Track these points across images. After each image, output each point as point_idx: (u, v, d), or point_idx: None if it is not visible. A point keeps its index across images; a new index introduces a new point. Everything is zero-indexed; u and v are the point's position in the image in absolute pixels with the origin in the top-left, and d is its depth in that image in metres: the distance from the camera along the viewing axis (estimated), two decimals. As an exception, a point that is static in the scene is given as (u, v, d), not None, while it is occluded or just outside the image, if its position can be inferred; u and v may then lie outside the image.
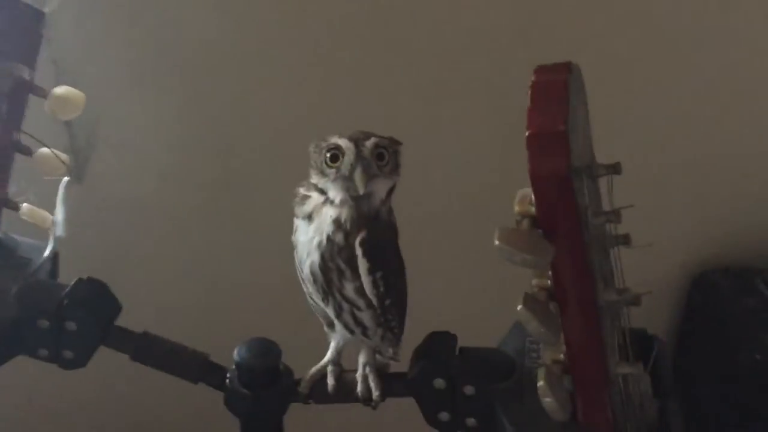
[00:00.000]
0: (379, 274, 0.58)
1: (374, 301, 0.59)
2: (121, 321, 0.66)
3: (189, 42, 1.12)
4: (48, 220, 0.69)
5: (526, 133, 0.47)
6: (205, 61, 1.13)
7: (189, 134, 1.16)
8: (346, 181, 0.58)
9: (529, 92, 0.49)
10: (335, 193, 0.58)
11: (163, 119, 1.16)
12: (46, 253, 0.69)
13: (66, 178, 0.68)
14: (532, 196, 0.49)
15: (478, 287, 1.16)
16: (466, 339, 0.61)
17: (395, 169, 0.59)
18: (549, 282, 0.52)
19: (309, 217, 0.59)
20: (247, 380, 0.63)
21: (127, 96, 1.14)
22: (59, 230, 0.69)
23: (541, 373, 0.52)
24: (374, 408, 0.62)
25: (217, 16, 1.11)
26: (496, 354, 0.61)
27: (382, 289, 0.58)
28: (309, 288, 0.61)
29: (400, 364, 0.65)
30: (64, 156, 0.67)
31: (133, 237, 1.18)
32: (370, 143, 0.58)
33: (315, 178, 0.60)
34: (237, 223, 1.19)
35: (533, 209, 0.49)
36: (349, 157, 0.57)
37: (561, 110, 0.48)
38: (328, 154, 0.58)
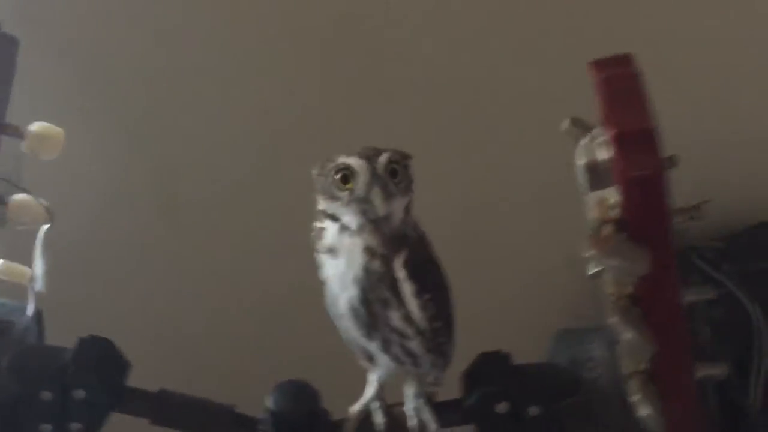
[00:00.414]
0: (427, 296, 0.54)
1: (424, 325, 0.54)
2: None
3: (123, 67, 1.03)
4: (26, 275, 0.61)
5: (611, 134, 0.45)
6: (139, 87, 1.04)
7: (127, 164, 1.07)
8: (362, 204, 0.53)
9: (599, 89, 0.46)
10: (350, 218, 0.53)
11: (97, 150, 1.07)
12: (29, 312, 0.60)
13: (46, 227, 0.60)
14: (611, 200, 0.47)
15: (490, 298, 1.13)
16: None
17: (409, 185, 0.55)
18: (629, 288, 0.49)
19: (332, 250, 0.54)
20: (284, 428, 0.57)
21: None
22: (39, 285, 0.61)
23: (633, 385, 0.49)
24: (431, 442, 0.58)
25: (149, 41, 1.02)
26: (555, 369, 0.58)
27: (431, 311, 0.54)
28: (348, 324, 0.56)
29: (444, 389, 0.61)
30: (45, 202, 0.59)
31: (88, 282, 1.08)
32: (383, 159, 0.53)
33: (324, 204, 0.54)
34: (191, 255, 1.11)
35: (614, 213, 0.47)
36: (363, 176, 0.53)
37: (644, 104, 0.45)
38: (337, 176, 0.53)
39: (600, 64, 0.48)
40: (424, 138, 1.05)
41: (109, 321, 1.07)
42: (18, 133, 0.55)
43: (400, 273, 0.53)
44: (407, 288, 0.53)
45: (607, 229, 0.47)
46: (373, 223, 0.53)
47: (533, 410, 0.56)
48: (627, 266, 0.45)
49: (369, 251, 0.53)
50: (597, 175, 0.50)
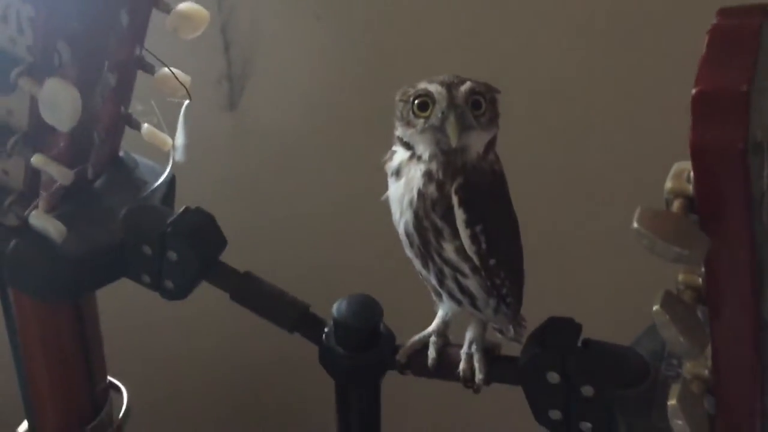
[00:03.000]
0: (479, 227, 0.50)
1: (476, 260, 0.51)
2: (236, 251, 0.63)
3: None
4: (168, 143, 0.66)
5: (693, 91, 0.37)
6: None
7: (345, 67, 1.12)
8: (437, 133, 0.51)
9: (706, 39, 0.38)
10: (423, 147, 0.52)
11: (320, 50, 1.12)
12: (163, 177, 0.67)
13: (187, 102, 0.65)
14: (691, 173, 0.39)
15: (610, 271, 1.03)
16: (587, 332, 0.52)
17: (493, 119, 0.52)
18: (700, 280, 0.42)
19: (397, 173, 0.53)
20: (343, 339, 0.58)
21: (287, 23, 1.11)
22: (179, 155, 0.67)
23: (675, 389, 0.42)
24: (476, 392, 0.55)
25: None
26: (626, 353, 0.52)
27: (483, 245, 0.51)
28: (408, 252, 0.54)
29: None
30: (185, 77, 0.64)
31: (273, 168, 1.17)
32: (464, 88, 0.50)
33: (400, 131, 0.53)
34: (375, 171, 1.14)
35: (690, 188, 0.39)
36: (440, 104, 0.50)
37: (745, 65, 0.37)
38: (416, 102, 0.51)
39: (723, 13, 0.39)
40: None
41: (287, 205, 1.16)
42: (165, 8, 0.60)
43: (453, 198, 0.50)
44: (458, 216, 0.50)
45: (676, 205, 0.40)
46: (445, 154, 0.50)
47: (586, 390, 0.51)
48: (676, 252, 0.38)
49: (428, 174, 0.51)
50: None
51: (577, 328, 0.52)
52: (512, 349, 0.58)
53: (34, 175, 0.56)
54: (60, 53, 0.51)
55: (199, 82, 0.66)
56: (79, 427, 0.67)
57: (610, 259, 0.99)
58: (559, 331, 0.53)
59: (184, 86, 0.63)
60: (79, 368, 0.67)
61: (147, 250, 0.61)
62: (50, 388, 0.68)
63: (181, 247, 0.60)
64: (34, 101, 0.52)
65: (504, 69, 1.03)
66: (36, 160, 0.52)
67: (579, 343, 0.52)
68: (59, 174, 0.52)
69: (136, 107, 0.68)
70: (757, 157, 0.38)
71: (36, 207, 0.58)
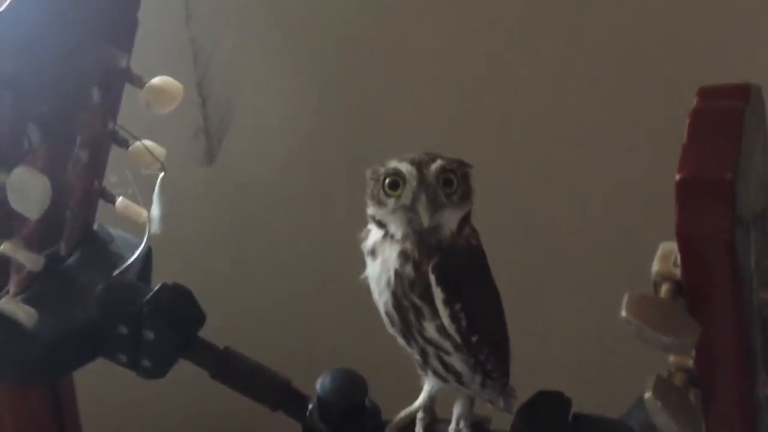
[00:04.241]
0: (458, 305, 0.50)
1: (457, 338, 0.50)
2: (220, 311, 0.61)
3: (331, 24, 1.06)
4: (143, 215, 0.65)
5: (677, 177, 0.37)
6: (346, 44, 1.07)
7: (324, 121, 1.11)
8: (408, 212, 0.50)
9: (687, 122, 0.38)
10: (396, 227, 0.51)
11: (298, 104, 1.12)
12: (138, 251, 0.65)
13: (162, 174, 0.64)
14: (678, 256, 0.39)
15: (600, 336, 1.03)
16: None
17: (466, 196, 0.51)
18: (691, 361, 0.41)
19: (373, 253, 0.52)
20: (328, 416, 0.57)
21: (264, 77, 1.10)
22: (154, 227, 0.65)
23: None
24: (466, 469, 0.54)
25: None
26: (617, 428, 0.50)
27: (464, 323, 0.50)
28: (389, 330, 0.53)
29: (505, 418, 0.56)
30: (160, 150, 0.63)
31: (251, 223, 1.15)
32: (435, 167, 0.50)
33: (372, 209, 0.52)
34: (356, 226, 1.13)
35: (677, 272, 0.39)
36: (411, 184, 0.50)
37: (729, 151, 0.36)
38: (386, 181, 0.51)
39: (703, 93, 0.39)
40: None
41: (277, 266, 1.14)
42: (139, 83, 0.59)
43: (431, 277, 0.49)
44: (437, 295, 0.49)
45: (664, 290, 0.39)
46: (418, 233, 0.50)
47: (579, 468, 0.49)
48: (667, 342, 0.37)
49: (403, 254, 0.50)
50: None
51: (566, 402, 0.51)
52: (503, 419, 0.57)
53: (3, 260, 0.55)
54: (29, 137, 0.50)
55: (175, 136, 0.65)
56: None
57: (600, 326, 0.99)
58: (548, 407, 0.51)
59: (159, 160, 0.62)
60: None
61: (123, 329, 0.59)
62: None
63: (159, 326, 0.59)
64: (1, 188, 0.50)
65: (486, 120, 1.03)
66: (5, 247, 0.51)
67: (569, 419, 0.51)
68: (29, 261, 0.51)
69: (110, 179, 0.67)
70: (743, 235, 0.37)
71: (6, 291, 0.56)
